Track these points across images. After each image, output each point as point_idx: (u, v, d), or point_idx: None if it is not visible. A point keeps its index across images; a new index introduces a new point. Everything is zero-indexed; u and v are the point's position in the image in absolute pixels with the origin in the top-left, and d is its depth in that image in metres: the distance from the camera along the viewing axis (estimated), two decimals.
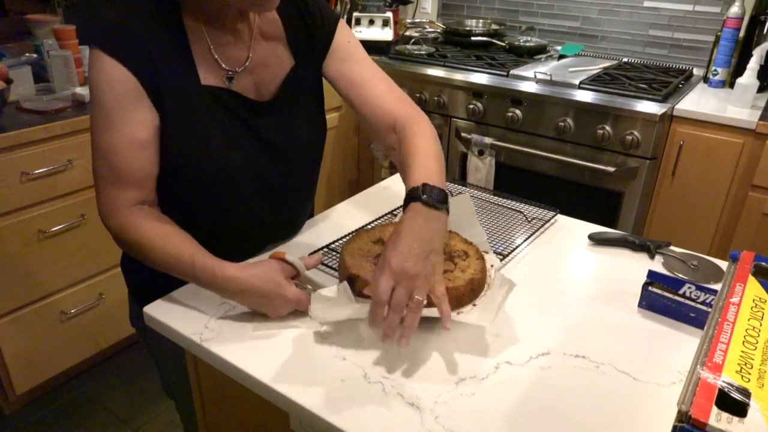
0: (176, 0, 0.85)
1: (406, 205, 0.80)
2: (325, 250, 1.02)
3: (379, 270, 0.73)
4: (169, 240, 0.83)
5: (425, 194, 0.79)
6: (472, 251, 0.90)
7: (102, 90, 0.81)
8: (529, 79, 2.09)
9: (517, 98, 2.04)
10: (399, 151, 0.92)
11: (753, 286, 0.65)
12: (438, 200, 0.79)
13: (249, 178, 0.94)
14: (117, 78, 0.80)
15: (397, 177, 1.35)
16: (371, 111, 0.97)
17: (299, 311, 0.83)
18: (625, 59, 2.39)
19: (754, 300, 0.62)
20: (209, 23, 0.87)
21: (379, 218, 1.14)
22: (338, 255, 1.00)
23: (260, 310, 0.83)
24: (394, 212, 1.17)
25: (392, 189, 1.30)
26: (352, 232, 1.08)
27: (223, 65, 0.89)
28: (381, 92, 0.97)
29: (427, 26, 2.73)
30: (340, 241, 1.04)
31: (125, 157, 0.83)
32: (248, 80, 0.92)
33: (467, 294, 0.81)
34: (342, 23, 1.00)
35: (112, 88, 0.81)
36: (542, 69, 2.11)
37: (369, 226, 1.10)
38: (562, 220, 1.17)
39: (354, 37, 1.01)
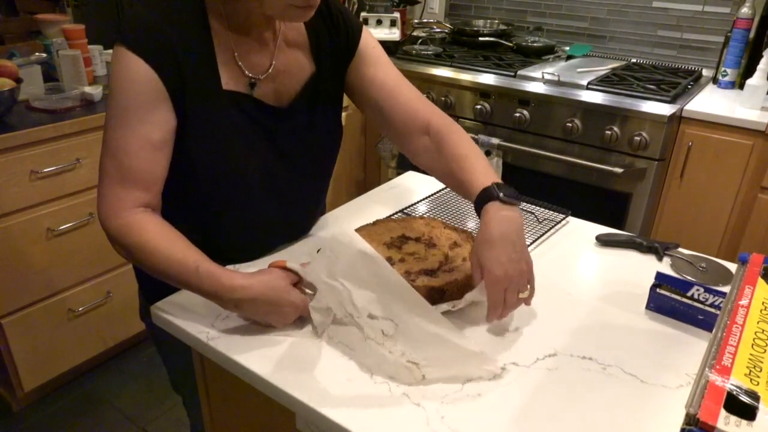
0: (204, 4, 0.85)
1: (481, 205, 0.83)
2: None
3: (487, 282, 0.79)
4: (173, 244, 0.81)
5: (501, 192, 0.82)
6: (460, 238, 0.97)
7: (123, 86, 0.80)
8: (537, 80, 2.08)
9: (525, 99, 2.03)
10: (439, 155, 0.94)
11: (762, 288, 0.64)
12: (514, 196, 0.83)
13: (263, 182, 0.94)
14: (141, 76, 0.80)
15: (403, 176, 1.35)
16: (402, 114, 0.97)
17: (303, 318, 0.83)
18: (633, 60, 2.38)
19: (763, 303, 0.62)
20: (235, 30, 0.87)
21: (388, 216, 1.14)
22: None
23: (265, 319, 0.82)
24: (404, 210, 1.17)
25: (400, 188, 1.30)
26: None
27: (246, 72, 0.89)
28: (411, 97, 0.99)
29: (435, 26, 2.72)
30: None
31: (136, 157, 0.81)
32: (269, 87, 0.92)
33: (468, 285, 0.86)
34: (366, 30, 1.01)
35: (135, 86, 0.80)
36: (550, 69, 2.11)
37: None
38: (569, 221, 1.17)
39: (378, 43, 1.02)
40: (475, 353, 0.74)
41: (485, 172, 0.88)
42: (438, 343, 0.74)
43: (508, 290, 0.79)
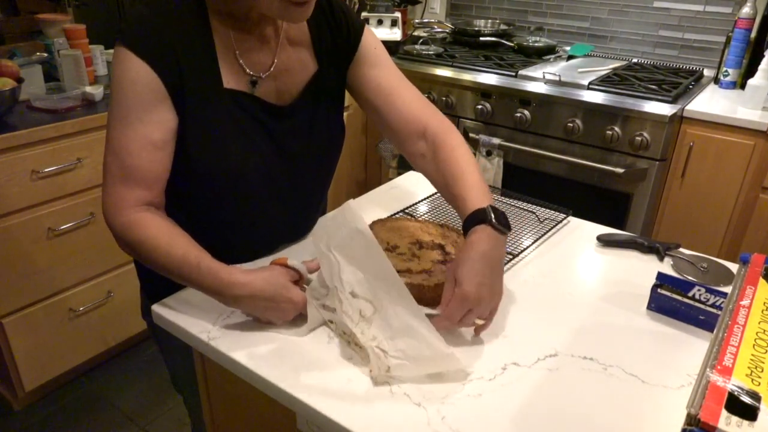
0: (204, 3, 0.85)
1: (471, 225, 0.83)
2: None
3: (455, 294, 0.77)
4: (175, 240, 0.81)
5: (495, 218, 0.82)
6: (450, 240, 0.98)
7: (124, 87, 0.81)
8: (538, 80, 2.08)
9: (526, 99, 2.03)
10: (434, 162, 0.95)
11: (764, 288, 0.64)
12: (505, 225, 0.83)
13: (264, 181, 0.94)
14: (141, 76, 0.80)
15: (404, 177, 1.35)
16: (399, 117, 0.97)
17: (303, 315, 0.83)
18: (634, 60, 2.38)
19: (764, 303, 0.62)
20: (236, 28, 0.87)
21: (390, 216, 1.14)
22: None
23: (265, 315, 0.82)
24: (405, 210, 1.17)
25: (401, 188, 1.30)
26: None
27: (248, 70, 0.89)
28: (409, 99, 0.98)
29: (436, 26, 2.72)
30: None
31: (138, 157, 0.82)
32: (271, 85, 0.92)
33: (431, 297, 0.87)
34: (368, 29, 1.00)
35: (135, 86, 0.80)
36: (551, 69, 2.10)
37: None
38: (570, 221, 1.16)
39: (380, 43, 1.01)
40: (446, 354, 0.73)
41: (482, 191, 0.88)
42: (411, 336, 0.73)
43: (471, 311, 0.77)
